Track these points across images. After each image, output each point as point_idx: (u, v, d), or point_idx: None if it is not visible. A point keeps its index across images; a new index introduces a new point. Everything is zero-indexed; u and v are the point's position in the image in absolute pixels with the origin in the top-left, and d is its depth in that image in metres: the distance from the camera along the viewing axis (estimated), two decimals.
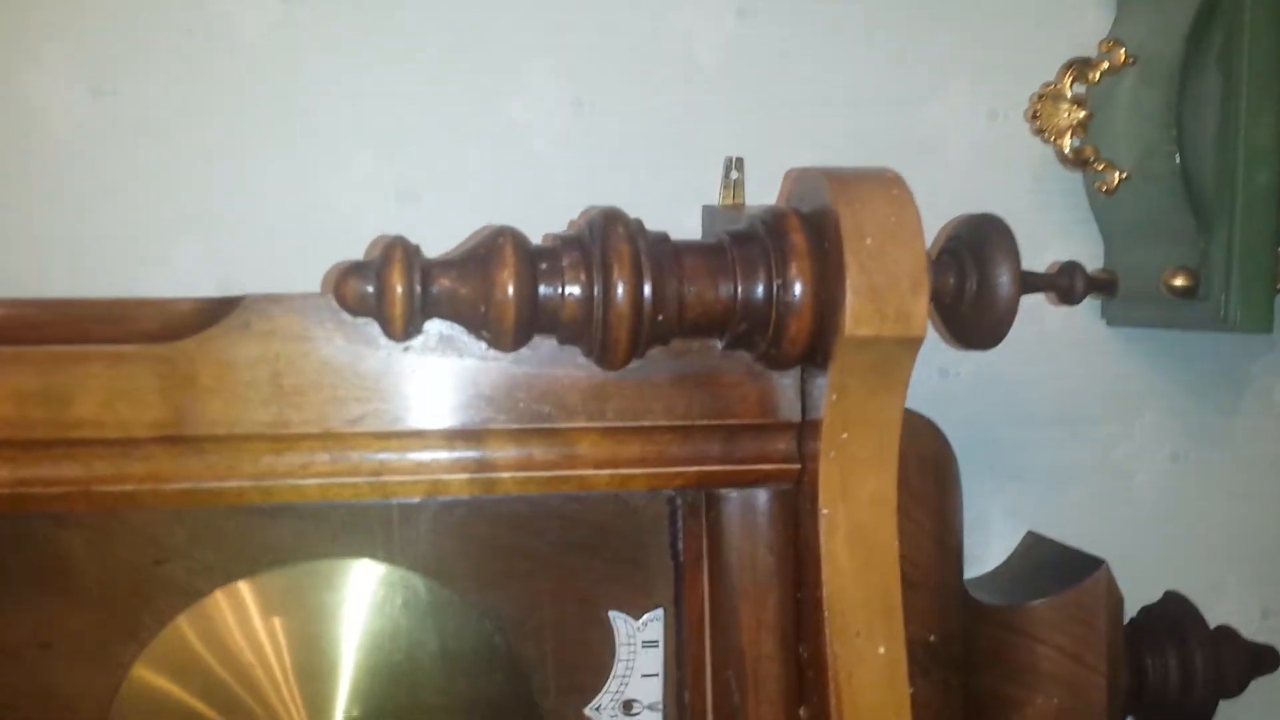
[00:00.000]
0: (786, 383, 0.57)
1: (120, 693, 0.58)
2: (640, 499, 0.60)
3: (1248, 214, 0.69)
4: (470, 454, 0.54)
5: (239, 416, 0.52)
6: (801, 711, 0.57)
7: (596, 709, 0.63)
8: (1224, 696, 0.76)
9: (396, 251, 0.50)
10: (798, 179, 0.56)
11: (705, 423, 0.56)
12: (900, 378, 0.53)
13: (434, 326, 0.54)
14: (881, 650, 0.53)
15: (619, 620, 0.62)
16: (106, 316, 0.54)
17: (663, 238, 0.53)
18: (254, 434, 0.53)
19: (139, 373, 0.52)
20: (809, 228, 0.52)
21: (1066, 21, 0.82)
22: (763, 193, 0.71)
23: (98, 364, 0.51)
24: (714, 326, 0.54)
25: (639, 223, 0.53)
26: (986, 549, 0.83)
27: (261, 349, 0.52)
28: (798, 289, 0.52)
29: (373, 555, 0.59)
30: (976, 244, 0.55)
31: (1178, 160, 0.72)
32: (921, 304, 0.50)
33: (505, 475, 0.55)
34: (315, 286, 0.70)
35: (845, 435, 0.53)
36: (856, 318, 0.50)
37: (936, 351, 0.77)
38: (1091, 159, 0.77)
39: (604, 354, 0.52)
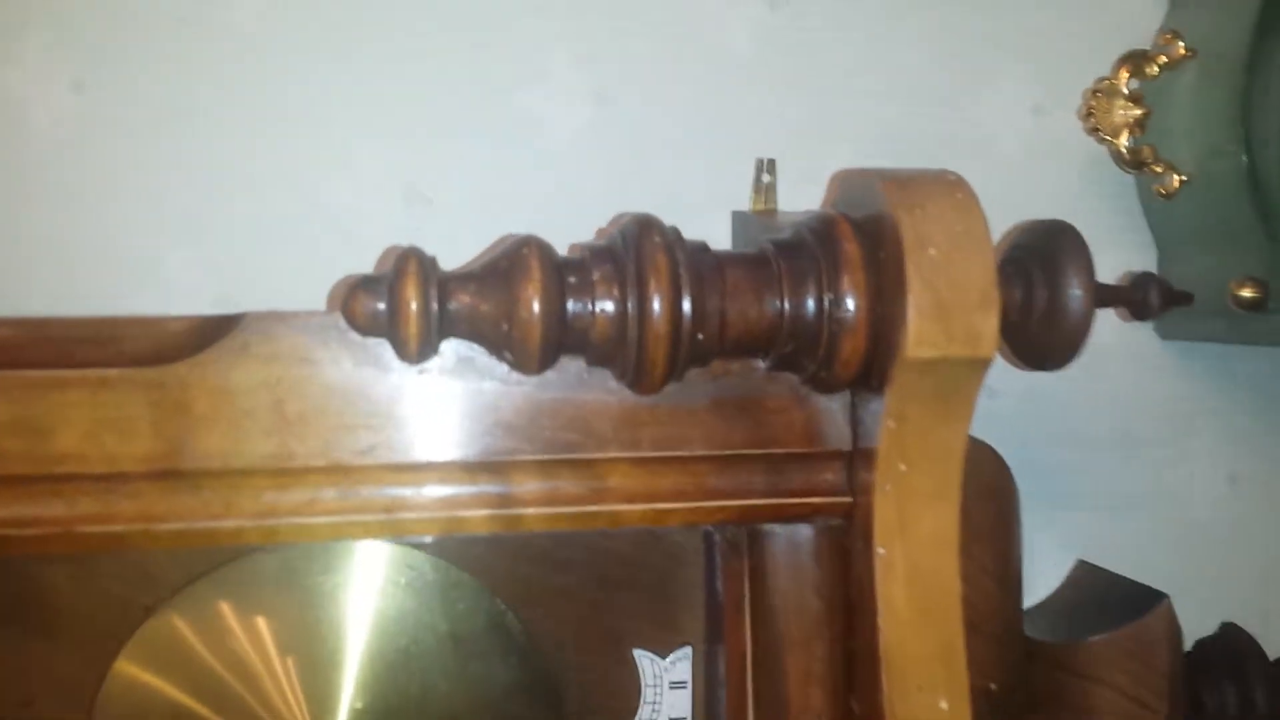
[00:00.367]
0: (835, 406, 0.53)
1: (104, 688, 0.55)
2: (674, 533, 0.57)
3: None
4: (492, 488, 0.51)
5: (238, 448, 0.49)
6: None
7: None
8: None
9: (411, 264, 0.46)
10: (844, 181, 0.52)
11: (748, 451, 0.52)
12: (966, 403, 0.49)
13: (451, 347, 0.51)
14: (944, 705, 0.49)
15: (644, 660, 0.59)
16: (91, 337, 0.50)
17: (702, 247, 0.50)
18: (254, 468, 0.49)
19: (127, 400, 0.48)
20: (862, 236, 0.49)
21: (1114, 10, 0.77)
22: (795, 195, 0.67)
23: (81, 390, 0.48)
24: (758, 346, 0.50)
25: (676, 231, 0.49)
26: (1033, 578, 0.78)
27: (262, 373, 0.49)
28: (851, 304, 0.48)
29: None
30: (1047, 255, 0.51)
31: (1244, 161, 0.69)
32: (992, 322, 0.46)
33: (530, 511, 0.51)
34: (316, 291, 0.67)
35: (904, 468, 0.49)
36: (919, 337, 0.46)
37: None
38: (1150, 160, 0.73)
39: (638, 377, 0.49)
